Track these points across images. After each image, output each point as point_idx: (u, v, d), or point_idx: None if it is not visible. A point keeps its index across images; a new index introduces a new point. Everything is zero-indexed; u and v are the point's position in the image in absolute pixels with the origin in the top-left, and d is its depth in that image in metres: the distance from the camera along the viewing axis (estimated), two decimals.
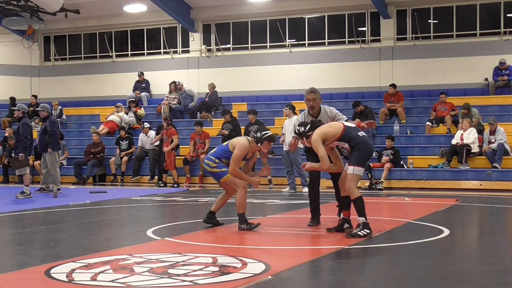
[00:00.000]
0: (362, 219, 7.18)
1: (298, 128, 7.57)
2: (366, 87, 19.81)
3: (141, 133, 18.62)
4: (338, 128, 7.37)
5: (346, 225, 7.61)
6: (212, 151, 8.18)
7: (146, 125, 18.67)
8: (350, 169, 7.25)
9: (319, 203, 8.47)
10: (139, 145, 18.52)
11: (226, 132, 16.88)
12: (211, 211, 8.33)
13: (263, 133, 7.94)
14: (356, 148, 7.29)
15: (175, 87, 20.90)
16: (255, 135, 7.97)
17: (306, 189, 14.28)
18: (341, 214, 7.77)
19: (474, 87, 19.11)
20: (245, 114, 18.40)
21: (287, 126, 14.69)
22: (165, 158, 16.71)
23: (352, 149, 7.33)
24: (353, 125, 7.58)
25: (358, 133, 7.36)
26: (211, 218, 8.33)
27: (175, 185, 16.41)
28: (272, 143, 8.00)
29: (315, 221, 8.38)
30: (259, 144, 7.93)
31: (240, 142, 7.96)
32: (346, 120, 8.36)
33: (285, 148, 14.68)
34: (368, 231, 7.16)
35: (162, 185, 16.63)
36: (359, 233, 7.14)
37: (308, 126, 7.51)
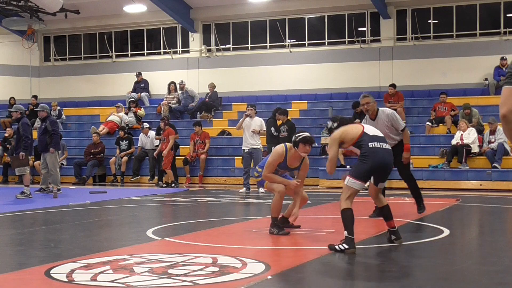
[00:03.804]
0: (345, 233, 6.50)
1: (328, 122, 7.19)
2: (366, 87, 19.79)
3: (141, 134, 18.62)
4: (356, 133, 6.73)
5: (392, 237, 6.95)
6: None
7: (146, 125, 18.67)
8: (346, 180, 6.67)
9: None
10: (139, 146, 18.51)
11: (285, 134, 16.49)
12: (283, 216, 7.96)
13: (297, 135, 7.45)
14: (360, 158, 6.69)
15: (174, 87, 20.90)
16: (292, 139, 7.53)
17: (261, 190, 14.32)
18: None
19: (474, 87, 19.12)
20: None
21: (248, 126, 14.74)
22: (163, 158, 16.62)
23: (359, 158, 6.77)
24: (375, 134, 6.80)
25: (370, 144, 6.62)
26: (284, 222, 7.91)
27: (172, 185, 16.33)
28: (308, 146, 7.37)
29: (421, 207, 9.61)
30: (295, 148, 7.43)
31: (275, 150, 7.70)
32: (403, 129, 9.22)
33: (244, 147, 14.74)
34: (347, 247, 6.40)
35: (165, 185, 16.57)
36: (335, 246, 6.49)
37: (336, 123, 6.99)
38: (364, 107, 9.14)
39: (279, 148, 7.67)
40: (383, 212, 7.05)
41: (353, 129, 6.80)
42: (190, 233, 7.91)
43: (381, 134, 6.95)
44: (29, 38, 22.38)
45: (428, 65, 19.57)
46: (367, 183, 6.96)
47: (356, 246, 6.78)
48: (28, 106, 20.55)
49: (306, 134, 7.46)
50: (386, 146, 6.80)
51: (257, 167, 8.08)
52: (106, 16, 22.73)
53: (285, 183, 7.65)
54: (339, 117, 7.28)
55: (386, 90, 18.91)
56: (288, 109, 19.18)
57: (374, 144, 6.65)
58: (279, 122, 15.70)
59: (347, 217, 6.53)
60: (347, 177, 6.65)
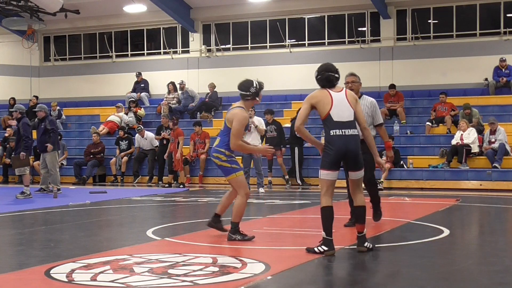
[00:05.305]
0: (323, 234, 6.27)
1: (316, 71, 6.76)
2: (366, 87, 19.51)
3: (137, 134, 18.56)
4: (325, 109, 6.41)
5: (357, 242, 6.50)
6: (216, 143, 7.16)
7: (140, 127, 18.45)
8: (319, 174, 6.44)
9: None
10: (136, 146, 18.48)
11: (274, 134, 16.38)
12: (216, 213, 7.54)
13: (253, 86, 7.16)
14: (324, 149, 6.44)
15: (174, 87, 20.90)
16: (251, 91, 7.15)
17: (261, 190, 14.38)
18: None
19: (474, 87, 19.12)
20: None
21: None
22: (173, 159, 16.58)
23: (324, 149, 6.49)
24: (339, 119, 6.38)
25: (331, 131, 6.34)
26: (216, 221, 7.52)
27: (181, 186, 16.33)
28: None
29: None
30: (256, 98, 7.21)
31: (237, 114, 7.08)
32: (380, 124, 8.23)
33: None
34: (326, 248, 6.18)
35: (167, 185, 16.56)
36: (315, 249, 6.24)
37: (319, 76, 6.61)
38: (348, 85, 8.16)
39: (240, 112, 7.11)
40: (355, 212, 6.63)
41: (325, 103, 6.42)
42: (190, 233, 7.91)
43: (347, 119, 6.44)
44: (29, 38, 22.38)
45: (428, 65, 19.57)
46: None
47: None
48: (28, 106, 20.53)
49: (259, 81, 7.27)
50: (351, 132, 6.40)
51: (218, 148, 7.15)
52: (106, 16, 22.73)
53: (255, 150, 7.17)
54: (326, 72, 6.63)
55: (386, 90, 18.92)
56: (287, 109, 19.39)
57: (336, 132, 6.33)
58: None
59: (326, 217, 6.30)
60: (320, 171, 6.42)
